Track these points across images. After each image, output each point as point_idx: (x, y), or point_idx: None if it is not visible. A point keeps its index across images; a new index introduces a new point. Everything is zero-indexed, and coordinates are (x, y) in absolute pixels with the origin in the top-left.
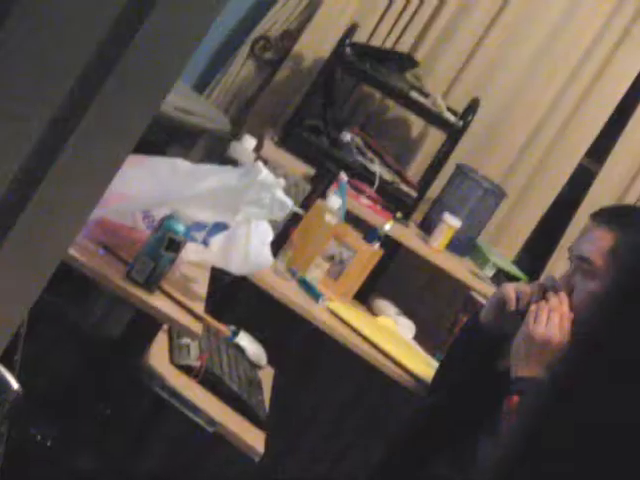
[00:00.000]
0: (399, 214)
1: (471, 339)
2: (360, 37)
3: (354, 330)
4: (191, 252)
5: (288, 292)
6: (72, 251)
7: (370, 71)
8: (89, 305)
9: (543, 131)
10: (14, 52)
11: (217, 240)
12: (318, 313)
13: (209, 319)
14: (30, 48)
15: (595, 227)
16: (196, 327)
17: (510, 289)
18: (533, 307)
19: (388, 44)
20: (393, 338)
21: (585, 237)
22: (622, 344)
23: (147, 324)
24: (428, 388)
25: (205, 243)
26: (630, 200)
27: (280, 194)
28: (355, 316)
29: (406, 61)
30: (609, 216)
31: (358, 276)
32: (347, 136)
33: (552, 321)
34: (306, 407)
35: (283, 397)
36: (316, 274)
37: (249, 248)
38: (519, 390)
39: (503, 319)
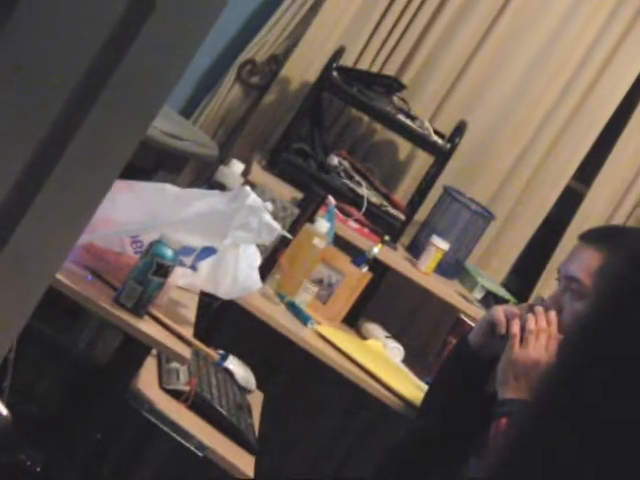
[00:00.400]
0: (387, 237)
1: (460, 362)
2: (347, 61)
3: (343, 353)
4: (179, 277)
5: (277, 316)
6: (60, 277)
7: (357, 95)
8: (77, 330)
9: (530, 153)
10: (8, 64)
11: (205, 264)
12: (307, 337)
13: (198, 343)
14: (16, 73)
15: (584, 247)
16: (185, 352)
17: (500, 312)
18: (515, 328)
19: (375, 67)
20: (382, 361)
21: (574, 257)
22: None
23: (136, 349)
24: (417, 411)
25: (193, 268)
26: (618, 221)
27: (268, 218)
28: (344, 339)
29: (393, 84)
30: (598, 236)
31: (347, 299)
32: (334, 160)
33: (539, 342)
34: (295, 431)
35: (272, 421)
36: (304, 298)
37: (237, 272)
38: (506, 412)
39: (493, 342)
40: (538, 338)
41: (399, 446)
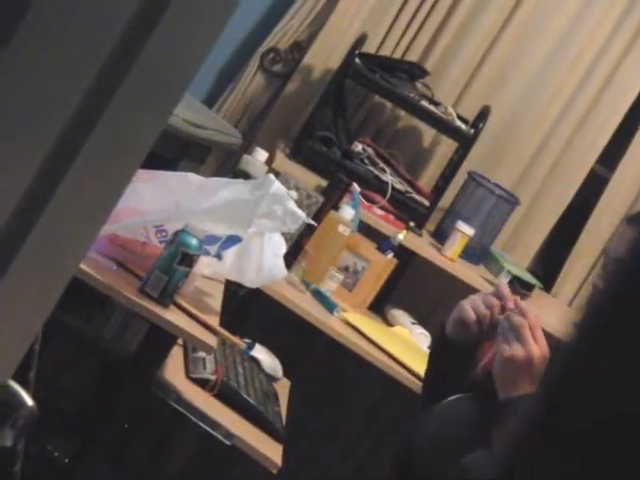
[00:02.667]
0: (412, 223)
1: (441, 353)
2: (369, 47)
3: (370, 340)
4: (204, 266)
5: (303, 304)
6: (86, 267)
7: (380, 81)
8: (104, 321)
9: (554, 137)
10: (21, 64)
11: (230, 253)
12: (333, 324)
13: (224, 332)
14: (36, 63)
15: (628, 229)
16: (211, 341)
17: (468, 311)
18: (499, 330)
19: (397, 54)
20: (409, 347)
21: (619, 240)
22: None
23: (162, 339)
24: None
25: (218, 256)
26: None
27: (292, 206)
28: (370, 326)
29: (416, 70)
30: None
31: (372, 286)
32: (358, 147)
33: (525, 337)
34: (323, 419)
35: (300, 409)
36: (330, 285)
37: (262, 260)
38: (513, 410)
39: (469, 331)
40: (522, 334)
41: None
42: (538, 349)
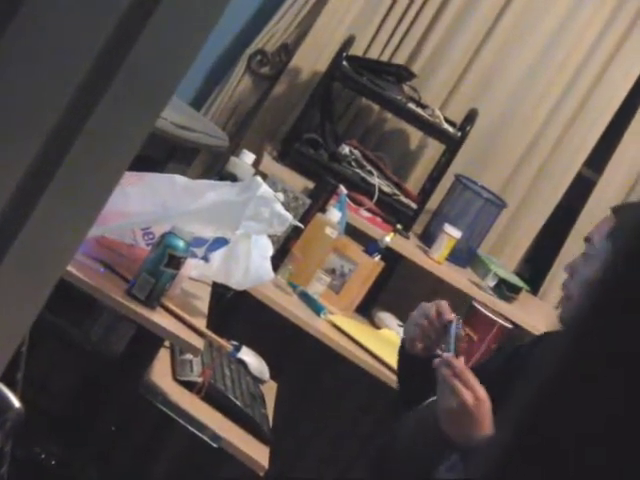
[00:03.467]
0: (399, 226)
1: (408, 368)
2: (356, 50)
3: (357, 343)
4: (192, 268)
5: (290, 306)
6: (72, 269)
7: (367, 84)
8: (91, 323)
9: (542, 140)
10: (10, 65)
11: (217, 255)
12: (320, 326)
13: (211, 335)
14: (23, 66)
15: (607, 216)
16: (198, 343)
17: (411, 330)
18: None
19: (384, 57)
20: (396, 350)
21: (600, 226)
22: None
23: (149, 341)
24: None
25: (205, 259)
26: None
27: (280, 208)
28: (357, 329)
29: (403, 73)
30: (621, 206)
31: (359, 289)
32: (346, 149)
33: (453, 387)
34: (310, 421)
35: (286, 411)
36: (317, 288)
37: (249, 263)
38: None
39: (424, 345)
40: (452, 384)
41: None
42: (470, 395)
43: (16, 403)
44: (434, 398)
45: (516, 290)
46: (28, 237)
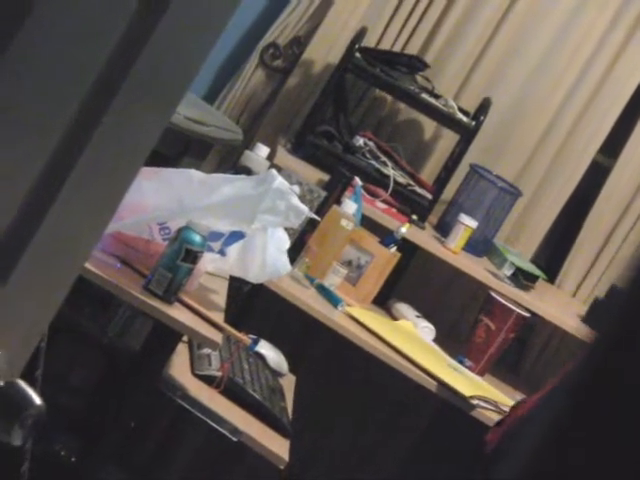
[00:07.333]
0: (415, 217)
1: None
2: (369, 41)
3: (374, 334)
4: (208, 262)
5: (307, 299)
6: (90, 265)
7: (380, 75)
8: (108, 319)
9: (555, 128)
10: (30, 61)
11: (234, 249)
12: (338, 319)
13: (229, 328)
14: (38, 63)
15: None
16: (216, 337)
17: None
18: None
19: (397, 47)
20: (414, 341)
21: None
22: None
23: (167, 336)
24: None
25: (222, 253)
26: None
27: (295, 201)
28: (375, 320)
29: (416, 63)
30: None
31: (376, 280)
32: (360, 141)
33: None
34: (329, 413)
35: (306, 404)
36: (334, 280)
37: (266, 256)
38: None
39: None
40: None
41: None
42: None
43: (37, 400)
44: None
45: (533, 279)
46: (46, 234)
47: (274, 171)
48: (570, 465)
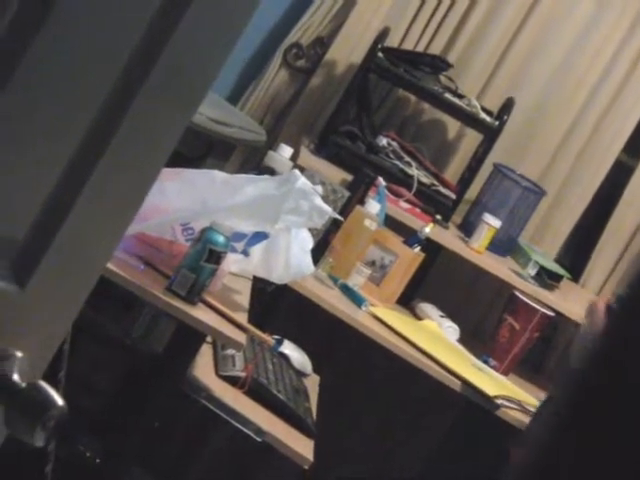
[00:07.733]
0: (438, 217)
1: None
2: (392, 41)
3: (399, 335)
4: (232, 263)
5: (331, 299)
6: (113, 267)
7: (404, 75)
8: (132, 320)
9: (579, 127)
10: (53, 59)
11: (257, 250)
12: (362, 319)
13: (253, 329)
14: (60, 63)
15: None
16: (240, 338)
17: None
18: None
19: (420, 47)
20: (438, 341)
21: None
22: None
23: (190, 337)
24: None
25: (245, 253)
26: None
27: (319, 201)
28: (399, 321)
29: (439, 63)
30: None
31: (400, 280)
32: (383, 141)
33: None
34: (353, 413)
35: (330, 404)
36: (358, 280)
37: (290, 256)
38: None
39: None
40: None
41: None
42: None
43: (59, 401)
44: None
45: (557, 278)
46: (67, 236)
47: (297, 171)
48: (572, 465)
